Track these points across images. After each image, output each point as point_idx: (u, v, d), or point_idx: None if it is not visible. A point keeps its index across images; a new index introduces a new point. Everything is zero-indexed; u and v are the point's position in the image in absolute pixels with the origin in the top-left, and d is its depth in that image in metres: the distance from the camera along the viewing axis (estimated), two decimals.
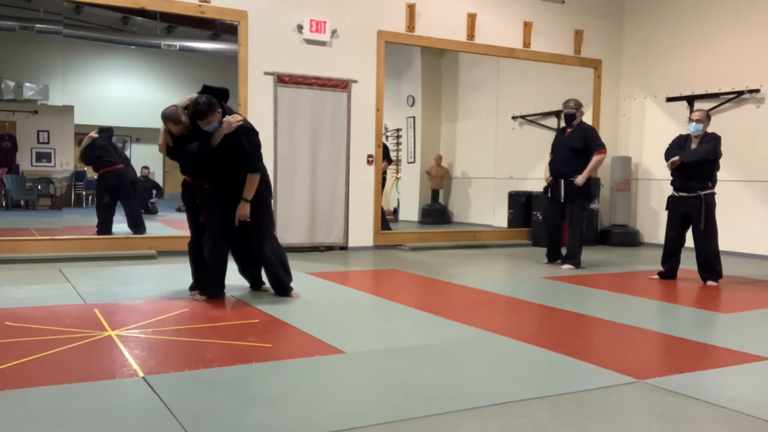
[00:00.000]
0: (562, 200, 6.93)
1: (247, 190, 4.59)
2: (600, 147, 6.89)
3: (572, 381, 3.06)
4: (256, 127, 4.77)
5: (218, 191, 4.67)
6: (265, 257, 4.78)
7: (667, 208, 6.11)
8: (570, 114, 7.00)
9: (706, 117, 5.94)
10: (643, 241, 9.48)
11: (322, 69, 7.71)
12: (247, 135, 4.59)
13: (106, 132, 8.49)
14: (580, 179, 6.79)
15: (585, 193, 6.93)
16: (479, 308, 4.79)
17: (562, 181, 6.90)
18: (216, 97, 4.56)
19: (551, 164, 7.07)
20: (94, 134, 8.37)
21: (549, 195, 7.12)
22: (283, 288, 4.88)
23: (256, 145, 4.66)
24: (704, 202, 5.81)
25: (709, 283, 5.93)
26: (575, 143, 6.88)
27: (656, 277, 6.19)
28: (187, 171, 4.79)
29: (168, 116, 4.54)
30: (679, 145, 6.00)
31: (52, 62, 9.38)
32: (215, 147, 4.54)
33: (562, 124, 7.27)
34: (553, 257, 7.17)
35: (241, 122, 4.60)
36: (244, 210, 4.60)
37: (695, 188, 5.83)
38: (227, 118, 4.57)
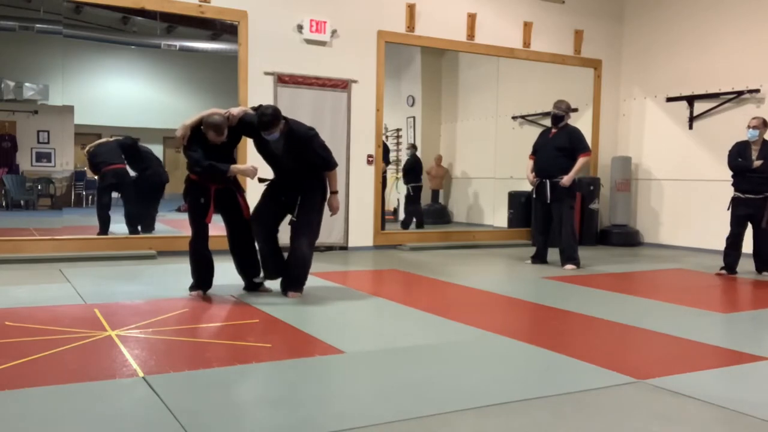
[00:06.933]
0: (549, 201, 6.93)
1: (333, 184, 5.10)
2: (586, 149, 6.94)
3: (572, 381, 3.06)
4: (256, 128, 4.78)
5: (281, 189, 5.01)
6: (302, 254, 4.98)
7: (729, 208, 6.56)
8: (559, 116, 6.99)
9: (763, 124, 6.40)
10: (643, 241, 9.47)
11: (322, 69, 7.71)
12: (318, 142, 4.96)
13: (126, 140, 8.87)
14: (566, 180, 6.79)
15: (571, 192, 6.98)
16: (479, 308, 4.79)
17: (548, 182, 6.90)
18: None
19: (536, 165, 7.07)
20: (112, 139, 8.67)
21: (534, 196, 7.13)
22: (294, 283, 5.01)
23: (325, 146, 5.04)
24: None
25: (765, 273, 6.57)
26: (561, 143, 6.89)
27: (723, 272, 6.59)
28: (198, 172, 4.71)
29: (213, 125, 4.61)
30: (739, 151, 6.42)
31: (52, 62, 9.36)
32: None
33: (548, 123, 7.29)
34: (538, 259, 7.15)
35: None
36: (336, 202, 5.15)
37: (763, 191, 6.33)
38: (245, 166, 4.89)
